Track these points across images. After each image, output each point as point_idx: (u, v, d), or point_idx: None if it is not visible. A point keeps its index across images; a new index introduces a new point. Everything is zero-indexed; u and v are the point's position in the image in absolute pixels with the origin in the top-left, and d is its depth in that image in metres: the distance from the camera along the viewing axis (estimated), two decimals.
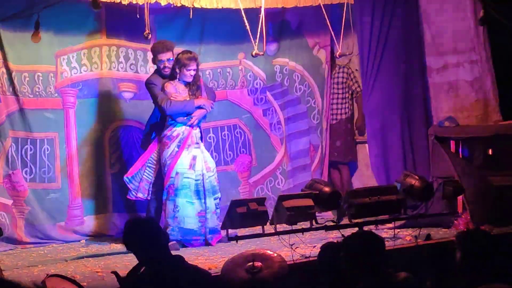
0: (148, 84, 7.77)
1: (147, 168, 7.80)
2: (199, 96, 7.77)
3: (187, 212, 7.61)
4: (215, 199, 7.76)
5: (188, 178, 7.64)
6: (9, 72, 7.83)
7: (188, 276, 4.28)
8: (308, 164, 9.49)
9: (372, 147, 9.20)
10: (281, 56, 9.39)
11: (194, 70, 7.68)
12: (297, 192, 7.77)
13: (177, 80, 7.70)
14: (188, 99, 7.68)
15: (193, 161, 7.68)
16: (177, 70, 7.67)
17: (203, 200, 7.66)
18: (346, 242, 4.45)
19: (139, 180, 7.77)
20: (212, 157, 8.17)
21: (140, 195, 7.81)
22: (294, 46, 9.44)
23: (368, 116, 9.23)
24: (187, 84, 7.73)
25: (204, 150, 7.90)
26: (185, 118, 7.66)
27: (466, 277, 4.38)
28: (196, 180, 7.66)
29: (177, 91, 7.67)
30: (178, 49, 8.07)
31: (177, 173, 7.62)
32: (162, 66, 7.73)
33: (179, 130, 7.65)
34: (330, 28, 7.95)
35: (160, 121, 7.79)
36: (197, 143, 7.78)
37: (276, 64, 9.39)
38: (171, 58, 7.74)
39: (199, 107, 7.70)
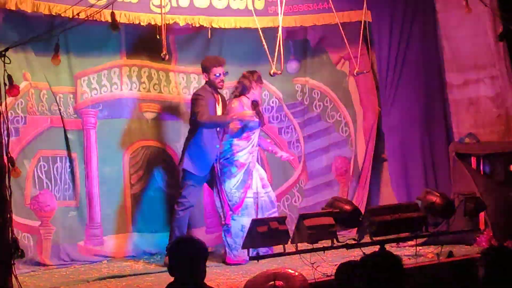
0: (196, 95, 7.87)
1: None
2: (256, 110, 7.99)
3: None
4: (269, 215, 7.86)
5: (249, 197, 7.83)
6: (37, 92, 7.89)
7: None
8: (332, 180, 9.44)
9: (392, 164, 9.17)
10: (301, 74, 9.41)
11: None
12: (317, 210, 7.75)
13: (245, 96, 7.89)
14: (252, 113, 7.87)
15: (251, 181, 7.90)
16: (252, 88, 7.89)
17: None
18: (363, 262, 4.41)
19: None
20: None
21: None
22: (315, 63, 9.46)
23: (388, 133, 9.21)
24: (252, 100, 7.93)
25: (259, 167, 8.10)
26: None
27: None
28: (252, 198, 7.83)
29: (243, 108, 7.83)
30: (198, 69, 8.16)
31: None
32: (218, 80, 7.85)
33: (244, 158, 7.83)
34: (348, 46, 7.96)
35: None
36: (255, 162, 8.00)
37: (297, 83, 9.41)
38: (226, 72, 7.93)
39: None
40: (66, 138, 8.11)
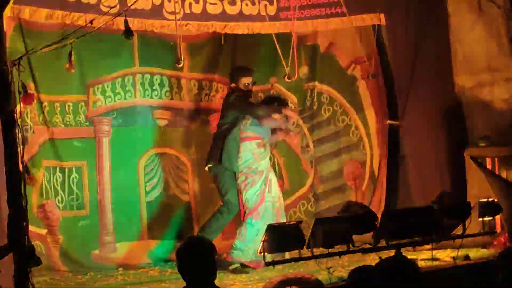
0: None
1: None
2: None
3: None
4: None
5: (268, 201, 7.83)
6: (39, 103, 7.90)
7: None
8: (344, 184, 9.40)
9: (409, 166, 9.13)
10: (311, 79, 9.38)
11: None
12: (331, 214, 7.74)
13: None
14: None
15: (269, 185, 7.90)
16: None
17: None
18: (378, 268, 4.37)
19: None
20: None
21: None
22: (324, 68, 9.43)
23: (403, 135, 9.19)
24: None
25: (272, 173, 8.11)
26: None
27: None
28: (272, 202, 7.83)
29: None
30: (210, 76, 8.15)
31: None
32: (249, 88, 7.93)
33: (264, 165, 7.86)
34: (362, 50, 7.95)
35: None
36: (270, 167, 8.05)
37: (307, 88, 9.39)
38: (254, 82, 7.98)
39: None
40: (73, 148, 8.13)
